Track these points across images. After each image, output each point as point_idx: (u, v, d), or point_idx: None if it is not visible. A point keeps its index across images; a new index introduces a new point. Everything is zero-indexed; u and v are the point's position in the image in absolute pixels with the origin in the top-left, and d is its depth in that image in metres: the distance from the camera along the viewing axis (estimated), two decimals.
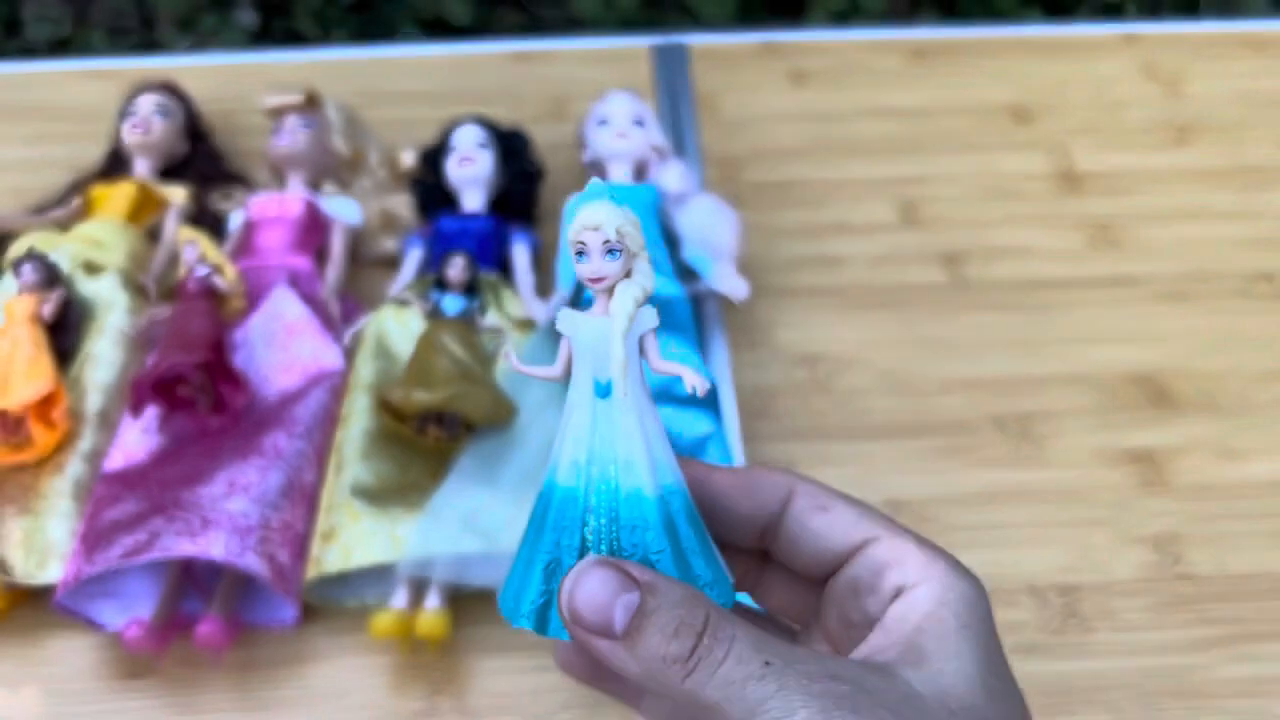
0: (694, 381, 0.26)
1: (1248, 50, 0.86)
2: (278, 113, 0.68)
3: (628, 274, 0.26)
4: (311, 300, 0.61)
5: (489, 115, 0.69)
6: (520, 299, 0.61)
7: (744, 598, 0.31)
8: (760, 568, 0.30)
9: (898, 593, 0.26)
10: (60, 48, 1.45)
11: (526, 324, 0.60)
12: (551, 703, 0.48)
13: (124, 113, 0.70)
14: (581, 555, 0.26)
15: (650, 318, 0.26)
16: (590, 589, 0.25)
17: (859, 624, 0.27)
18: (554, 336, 0.58)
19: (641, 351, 0.27)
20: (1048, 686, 0.49)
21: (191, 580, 0.50)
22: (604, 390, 0.26)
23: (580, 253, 0.26)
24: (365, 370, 0.56)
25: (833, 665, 0.24)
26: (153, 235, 0.66)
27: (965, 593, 0.26)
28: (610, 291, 0.26)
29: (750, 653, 0.24)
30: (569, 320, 0.26)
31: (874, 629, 0.26)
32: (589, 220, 0.26)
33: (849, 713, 0.23)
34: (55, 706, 0.48)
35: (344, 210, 0.67)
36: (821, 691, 0.23)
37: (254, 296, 0.60)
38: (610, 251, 0.26)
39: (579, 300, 0.59)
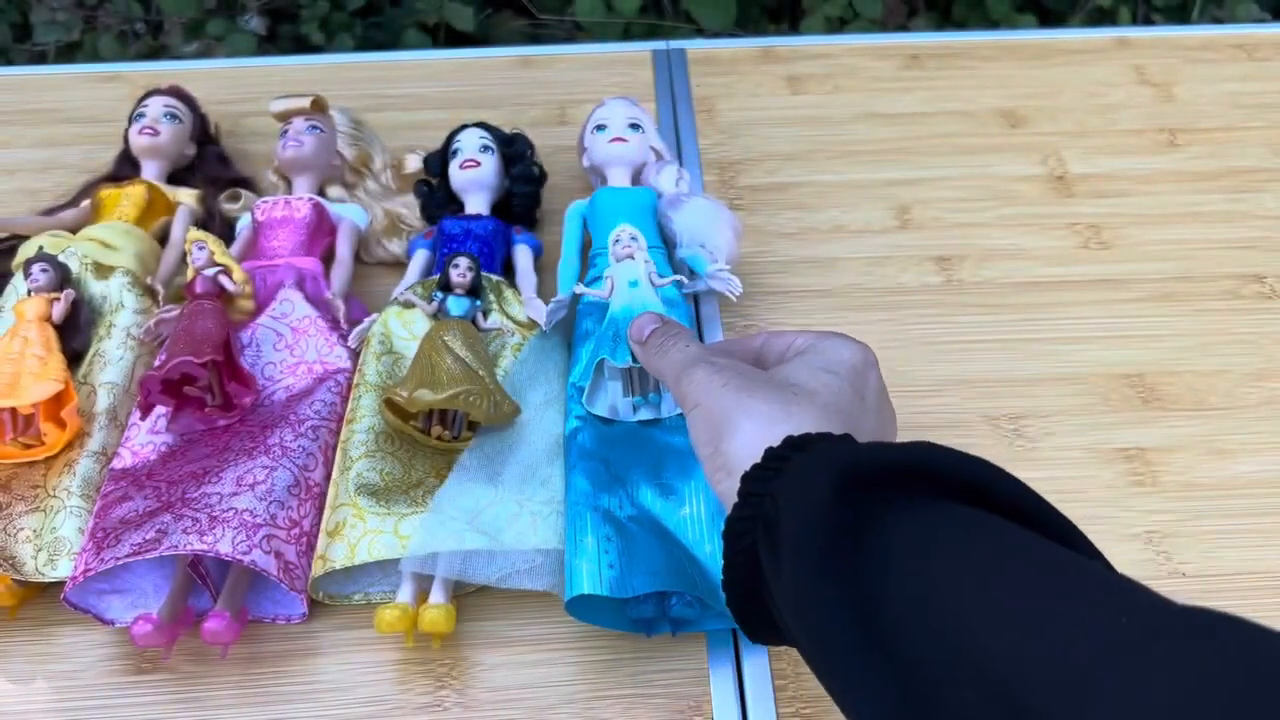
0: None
1: (1238, 54, 0.87)
2: (285, 117, 0.68)
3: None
4: (318, 301, 0.61)
5: (492, 120, 0.70)
6: (522, 301, 0.62)
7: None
8: None
9: (802, 348, 0.43)
10: (69, 52, 1.46)
11: (529, 325, 0.60)
12: (554, 696, 0.48)
13: (133, 116, 0.71)
14: None
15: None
16: (639, 323, 0.48)
17: None
18: (555, 334, 0.59)
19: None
20: None
21: (199, 576, 0.50)
22: (634, 285, 0.57)
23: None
24: (371, 370, 0.57)
25: (735, 362, 0.43)
26: (161, 239, 0.67)
27: (839, 347, 0.42)
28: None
29: (691, 350, 0.44)
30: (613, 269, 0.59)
31: None
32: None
33: (732, 376, 0.41)
34: (64, 701, 0.48)
35: (350, 213, 0.67)
36: (718, 366, 0.42)
37: (262, 297, 0.61)
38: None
39: (578, 305, 0.60)
